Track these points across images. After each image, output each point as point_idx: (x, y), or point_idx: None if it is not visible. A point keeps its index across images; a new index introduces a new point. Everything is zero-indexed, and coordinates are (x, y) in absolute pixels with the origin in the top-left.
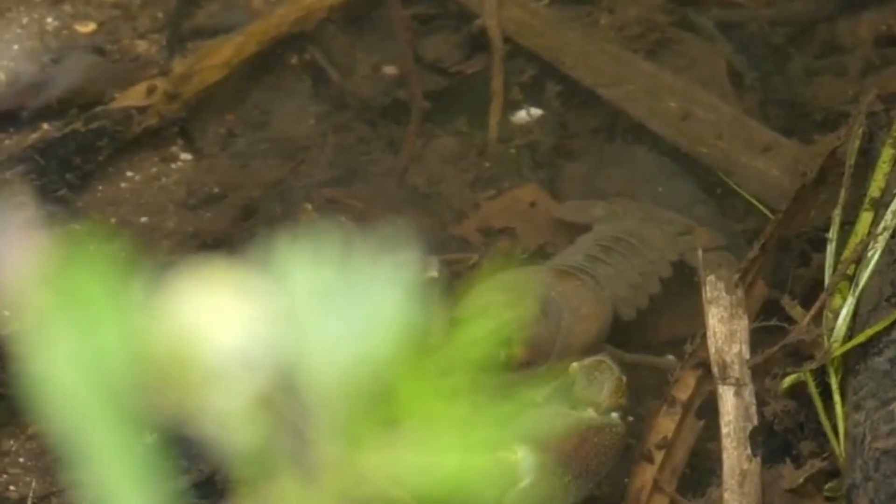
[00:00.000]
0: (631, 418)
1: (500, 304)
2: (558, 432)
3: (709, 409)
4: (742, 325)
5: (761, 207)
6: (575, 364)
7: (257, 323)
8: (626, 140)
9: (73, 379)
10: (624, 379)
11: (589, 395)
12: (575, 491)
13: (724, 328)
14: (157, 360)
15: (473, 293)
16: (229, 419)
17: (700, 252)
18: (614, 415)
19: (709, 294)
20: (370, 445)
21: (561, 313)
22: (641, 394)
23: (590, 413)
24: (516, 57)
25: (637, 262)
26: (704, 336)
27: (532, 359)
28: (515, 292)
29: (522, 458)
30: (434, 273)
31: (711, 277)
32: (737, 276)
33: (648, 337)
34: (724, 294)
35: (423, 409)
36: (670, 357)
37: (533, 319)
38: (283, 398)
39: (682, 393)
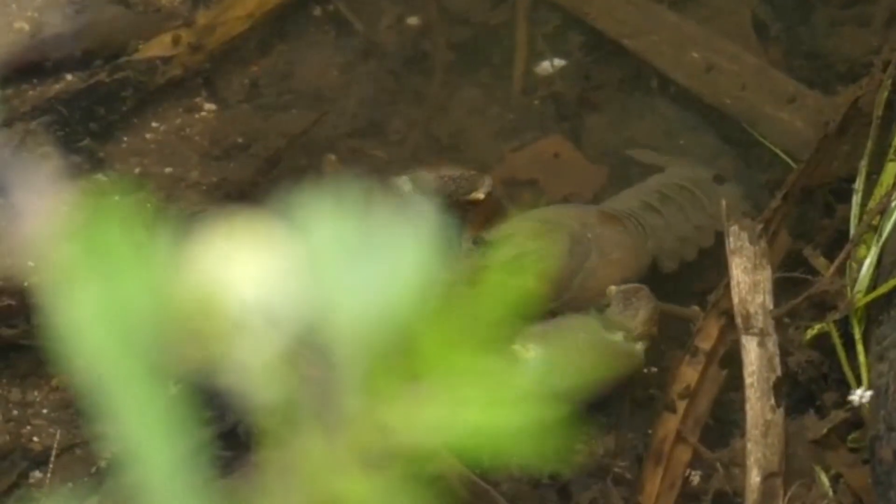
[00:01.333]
0: (655, 369)
1: (528, 234)
2: (580, 346)
3: (732, 360)
4: (765, 276)
5: (786, 158)
6: (613, 287)
7: (281, 275)
8: (649, 92)
9: (97, 330)
10: (659, 309)
11: (622, 319)
12: (571, 402)
13: (748, 278)
14: (182, 312)
15: (512, 221)
16: (253, 371)
17: (724, 203)
18: (639, 345)
19: (732, 244)
20: (394, 399)
21: (588, 254)
22: (666, 344)
23: (618, 337)
24: (540, 7)
25: (694, 214)
26: (728, 286)
27: (545, 293)
28: (549, 225)
29: (533, 357)
30: (483, 192)
31: (735, 227)
32: (760, 227)
33: (683, 288)
34: (747, 244)
35: (447, 361)
36: (695, 307)
37: (556, 254)
38: (307, 351)
39: (706, 343)
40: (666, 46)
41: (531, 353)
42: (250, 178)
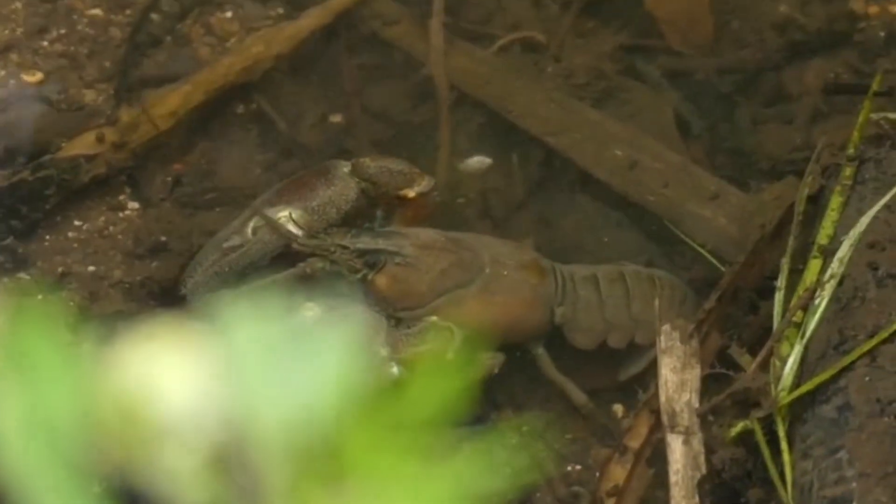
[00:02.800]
0: (578, 466)
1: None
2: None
3: (659, 458)
4: (694, 375)
5: (709, 257)
6: (434, 318)
7: (205, 379)
8: (572, 189)
9: (19, 431)
10: (436, 354)
11: (402, 338)
12: None
13: (676, 377)
14: (106, 415)
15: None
16: (178, 475)
17: (657, 301)
18: (394, 368)
19: (663, 343)
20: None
21: (468, 284)
22: (588, 441)
23: (384, 352)
24: (463, 105)
25: (639, 306)
26: (657, 385)
27: (399, 296)
28: (458, 246)
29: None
30: (416, 191)
31: (666, 327)
32: (692, 327)
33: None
34: (678, 344)
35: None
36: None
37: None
38: (232, 455)
39: (635, 441)
40: (589, 144)
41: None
42: (173, 277)
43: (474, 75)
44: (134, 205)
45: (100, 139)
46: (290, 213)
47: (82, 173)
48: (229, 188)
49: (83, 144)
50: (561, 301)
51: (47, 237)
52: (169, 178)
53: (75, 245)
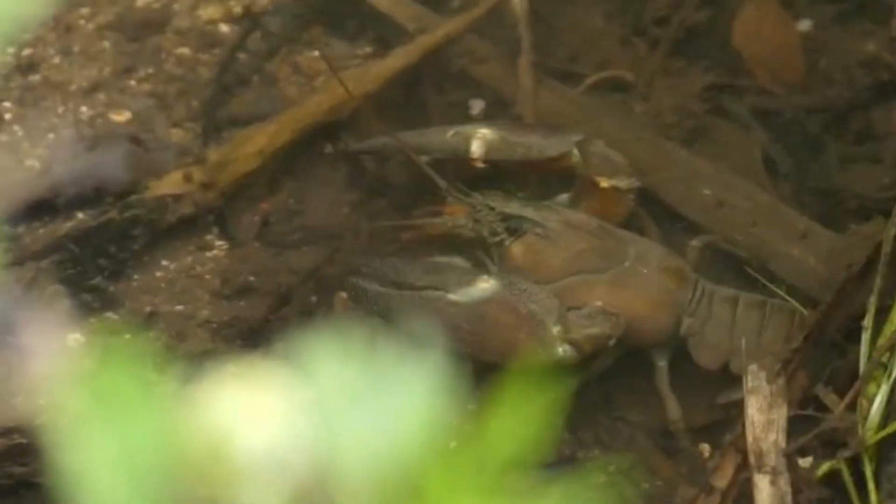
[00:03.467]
0: None
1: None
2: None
3: (746, 498)
4: (780, 414)
5: (793, 302)
6: (599, 303)
7: (289, 419)
8: (661, 227)
9: (106, 470)
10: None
11: (573, 320)
12: None
13: (763, 417)
14: (192, 454)
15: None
16: None
17: (743, 339)
18: (564, 348)
19: (750, 383)
20: None
21: (607, 270)
22: (674, 481)
23: (555, 331)
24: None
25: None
26: (744, 424)
27: (531, 267)
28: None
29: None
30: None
31: (753, 367)
32: (778, 366)
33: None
34: (764, 384)
35: None
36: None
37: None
38: (315, 495)
39: (721, 481)
40: (677, 183)
41: (485, 284)
42: (261, 317)
43: (563, 114)
44: (221, 244)
45: (187, 178)
46: (487, 132)
47: (170, 213)
48: (317, 227)
49: (171, 184)
50: (692, 313)
51: (135, 277)
52: (256, 218)
53: (163, 285)
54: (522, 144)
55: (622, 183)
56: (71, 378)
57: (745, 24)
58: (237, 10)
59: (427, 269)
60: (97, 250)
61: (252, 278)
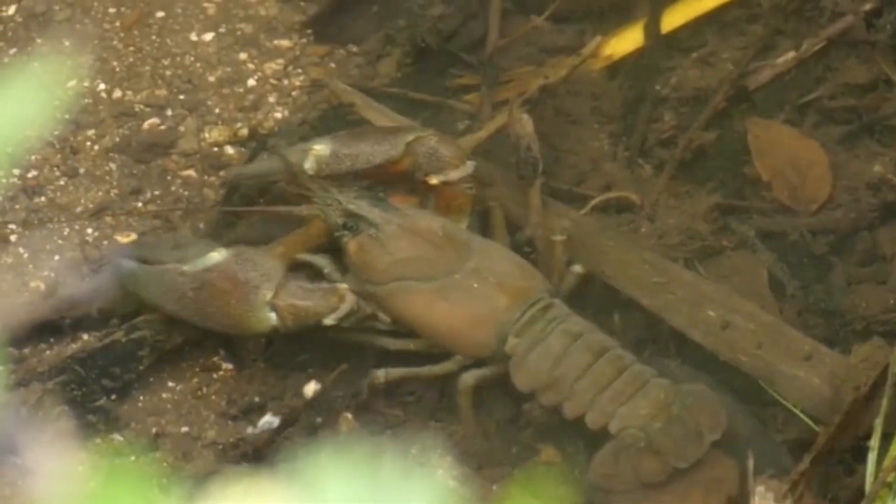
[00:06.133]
0: None
1: None
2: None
3: None
4: None
5: (804, 418)
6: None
7: None
8: (661, 350)
9: None
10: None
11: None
12: None
13: None
14: None
15: None
16: None
17: (750, 460)
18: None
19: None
20: None
21: (432, 280)
22: None
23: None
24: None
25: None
26: None
27: (361, 267)
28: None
29: None
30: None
31: (761, 488)
32: (786, 488)
33: None
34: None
35: None
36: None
37: None
38: None
39: None
40: (682, 304)
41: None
42: (266, 437)
43: (570, 236)
44: (227, 366)
45: None
46: (320, 147)
47: (175, 334)
48: (322, 349)
49: None
50: (519, 333)
51: (141, 398)
52: (262, 340)
53: (169, 406)
54: (350, 156)
55: (451, 176)
56: (76, 499)
57: (763, 143)
58: (243, 131)
59: (175, 246)
60: (102, 371)
61: (258, 399)
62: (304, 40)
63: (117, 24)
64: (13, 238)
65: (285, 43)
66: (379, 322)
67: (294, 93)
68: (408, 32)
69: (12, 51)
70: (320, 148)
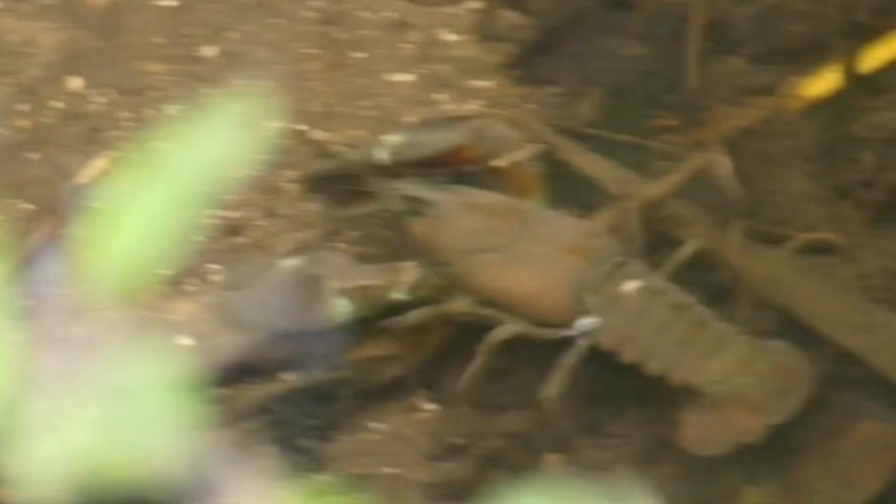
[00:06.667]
0: None
1: None
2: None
3: None
4: None
5: None
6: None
7: None
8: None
9: None
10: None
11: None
12: None
13: None
14: None
15: None
16: None
17: None
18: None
19: None
20: None
21: (499, 250)
22: None
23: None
24: (760, 307)
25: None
26: None
27: (429, 248)
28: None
29: None
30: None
31: None
32: None
33: None
34: None
35: None
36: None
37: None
38: None
39: None
40: (886, 348)
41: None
42: (470, 478)
43: (770, 277)
44: (430, 406)
45: (396, 340)
46: (393, 137)
47: (378, 375)
48: (526, 389)
49: (379, 345)
50: (597, 290)
51: (343, 439)
52: (465, 379)
53: (371, 446)
54: (419, 143)
55: (515, 157)
56: None
57: None
58: None
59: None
60: (305, 412)
61: (461, 440)
62: (502, 81)
63: (316, 64)
64: (215, 279)
65: (484, 84)
66: (459, 295)
67: None
68: (607, 73)
69: (212, 91)
70: (394, 138)
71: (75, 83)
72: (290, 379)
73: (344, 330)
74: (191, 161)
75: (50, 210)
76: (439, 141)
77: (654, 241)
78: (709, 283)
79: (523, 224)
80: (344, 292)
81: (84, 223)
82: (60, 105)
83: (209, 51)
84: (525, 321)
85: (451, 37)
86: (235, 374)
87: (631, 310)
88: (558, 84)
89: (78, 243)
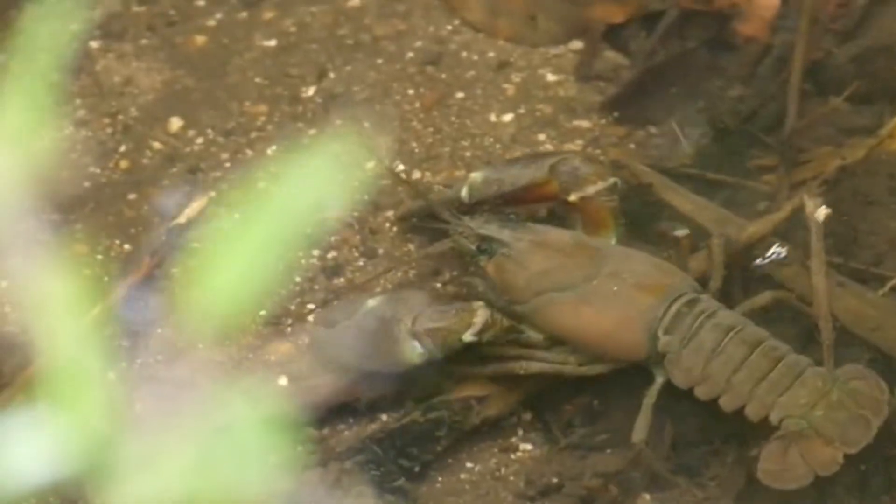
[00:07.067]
0: None
1: None
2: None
3: None
4: None
5: None
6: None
7: None
8: None
9: None
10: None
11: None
12: None
13: None
14: None
15: None
16: None
17: None
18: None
19: None
20: None
21: (572, 289)
22: None
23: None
24: (851, 346)
25: None
26: None
27: (503, 287)
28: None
29: None
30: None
31: None
32: None
33: None
34: None
35: None
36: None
37: None
38: None
39: None
40: None
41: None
42: None
43: (864, 317)
44: (526, 446)
45: (491, 381)
46: (475, 175)
47: (473, 415)
48: (622, 430)
49: (474, 386)
50: (669, 330)
51: (439, 479)
52: (561, 420)
53: (467, 486)
54: (498, 180)
55: (588, 191)
56: None
57: None
58: (541, 212)
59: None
60: (400, 452)
61: (556, 480)
62: (603, 121)
63: (417, 104)
64: (312, 318)
65: (584, 124)
66: (527, 336)
67: None
68: (707, 114)
69: (312, 131)
70: (475, 175)
71: (175, 124)
72: (386, 419)
73: (422, 370)
74: (290, 202)
75: (148, 250)
76: (516, 177)
77: (746, 279)
78: (791, 317)
79: (595, 262)
80: (416, 335)
81: (182, 263)
82: (159, 146)
83: (310, 91)
84: (599, 360)
85: (553, 77)
86: (332, 415)
87: (703, 347)
88: (658, 124)
89: (176, 283)
